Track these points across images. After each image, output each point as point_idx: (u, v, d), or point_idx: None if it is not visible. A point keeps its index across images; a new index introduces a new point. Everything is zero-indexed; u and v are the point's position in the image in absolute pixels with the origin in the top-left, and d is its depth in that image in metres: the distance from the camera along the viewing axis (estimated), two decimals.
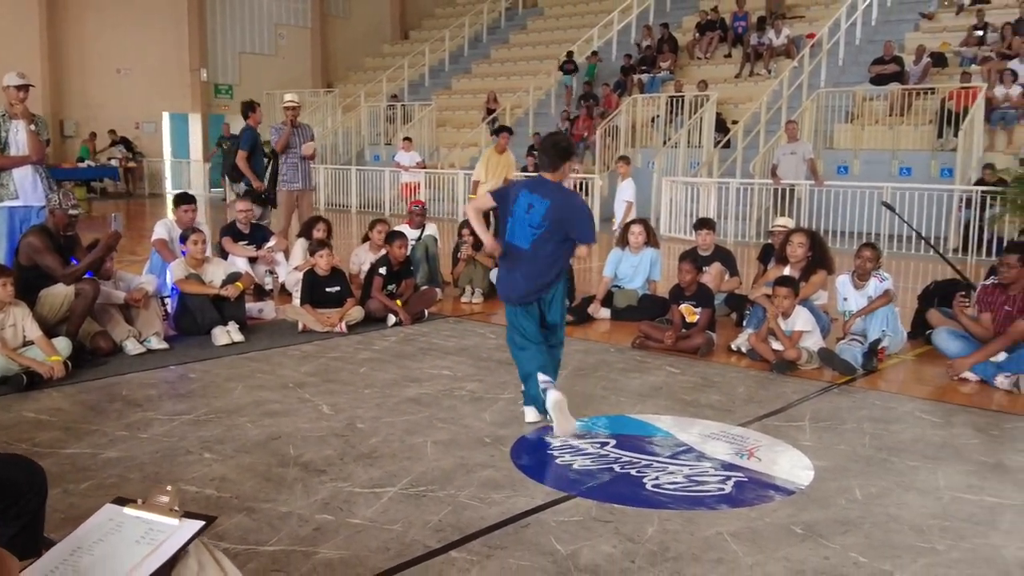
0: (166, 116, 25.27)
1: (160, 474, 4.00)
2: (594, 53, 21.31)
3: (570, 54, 21.36)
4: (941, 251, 8.91)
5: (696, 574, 3.16)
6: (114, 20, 23.23)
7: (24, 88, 7.15)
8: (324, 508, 3.67)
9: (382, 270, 7.56)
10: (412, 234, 9.11)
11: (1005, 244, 7.52)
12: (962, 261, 11.78)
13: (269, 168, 10.12)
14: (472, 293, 8.65)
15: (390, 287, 7.64)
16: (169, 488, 2.03)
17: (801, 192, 14.02)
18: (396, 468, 4.14)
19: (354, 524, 3.52)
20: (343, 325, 7.14)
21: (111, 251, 6.44)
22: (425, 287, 8.36)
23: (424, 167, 19.15)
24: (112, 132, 23.24)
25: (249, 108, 10.41)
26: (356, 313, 7.34)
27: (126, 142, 23.60)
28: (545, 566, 3.19)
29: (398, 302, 7.55)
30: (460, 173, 18.34)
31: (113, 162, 23.03)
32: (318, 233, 8.33)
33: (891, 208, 9.09)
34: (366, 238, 8.89)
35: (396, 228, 8.50)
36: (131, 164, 23.56)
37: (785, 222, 8.17)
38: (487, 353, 6.54)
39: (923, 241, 8.90)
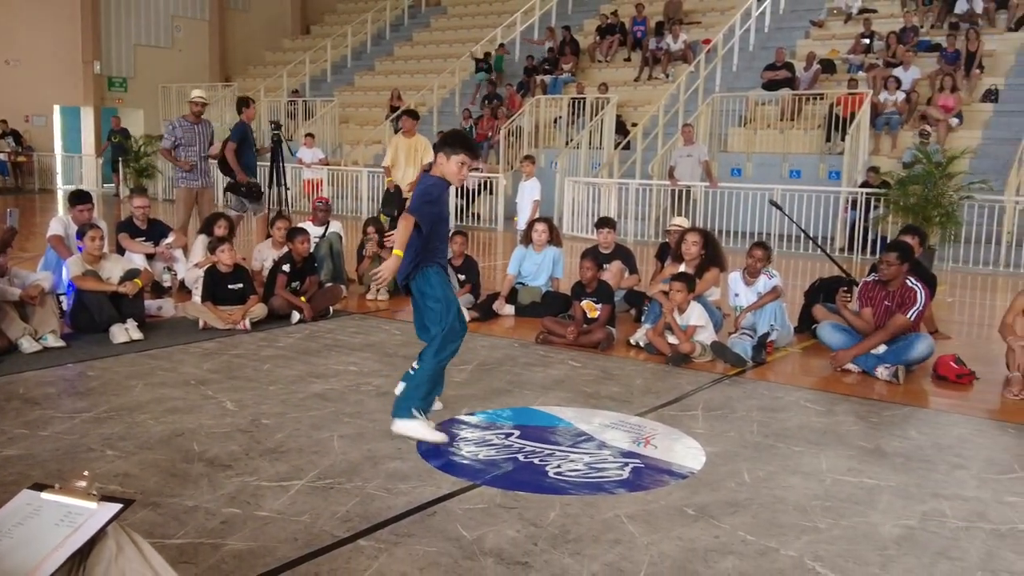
0: (57, 109, 24.41)
1: (63, 471, 3.95)
2: (501, 45, 21.52)
3: (487, 55, 21.47)
4: (828, 250, 9.36)
5: (595, 554, 3.31)
6: (3, 8, 22.30)
7: None
8: (231, 502, 3.69)
9: (285, 267, 7.55)
10: (316, 231, 9.10)
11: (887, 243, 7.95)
12: (848, 260, 12.38)
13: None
14: (377, 291, 8.68)
15: (294, 284, 7.63)
16: (86, 473, 2.06)
17: (697, 193, 14.47)
18: (303, 462, 4.18)
19: (262, 516, 3.56)
20: (246, 322, 7.10)
21: (6, 247, 6.27)
22: (330, 284, 8.36)
23: (327, 164, 19.00)
24: (3, 123, 22.33)
25: (243, 104, 10.50)
26: (259, 310, 7.30)
27: (15, 135, 22.70)
28: (451, 551, 3.30)
29: (302, 299, 7.53)
30: (364, 171, 18.31)
31: (1, 156, 22.12)
32: (219, 230, 8.23)
33: (778, 207, 9.50)
34: (268, 235, 8.83)
35: (299, 225, 8.47)
36: (20, 158, 22.67)
37: (680, 222, 8.47)
38: (393, 349, 6.60)
39: (809, 240, 9.31)
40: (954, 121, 14.63)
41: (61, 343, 6.28)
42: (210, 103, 14.10)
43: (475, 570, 3.16)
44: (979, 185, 11.97)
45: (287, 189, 11.80)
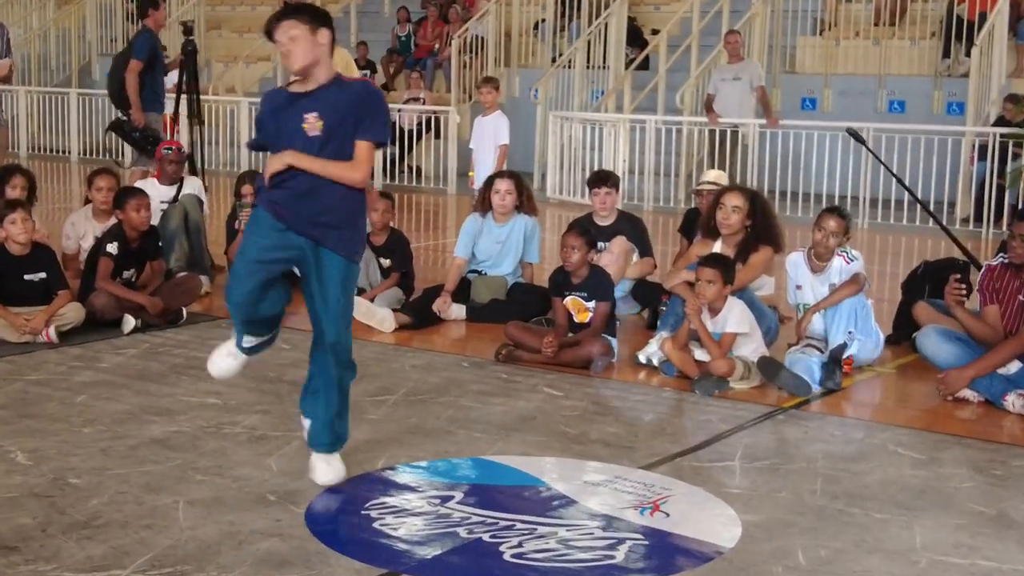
0: None
1: None
2: None
3: None
4: (941, 219, 9.44)
5: None
6: None
7: None
8: None
9: (111, 247, 7.54)
10: (163, 193, 9.10)
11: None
12: (974, 235, 12.49)
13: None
14: None
15: (127, 274, 7.62)
16: None
17: (748, 134, 14.55)
18: (128, 542, 4.17)
19: None
20: (51, 332, 7.10)
21: None
22: (183, 273, 8.38)
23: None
24: None
25: (151, 4, 10.39)
26: (72, 313, 7.31)
27: None
28: None
29: (139, 295, 7.53)
30: (244, 101, 18.32)
31: None
32: (12, 191, 8.21)
33: (859, 139, 9.55)
34: (87, 200, 8.81)
35: (134, 183, 8.45)
36: None
37: (716, 177, 8.53)
38: (277, 371, 6.61)
39: (916, 201, 9.41)
40: None
41: None
42: None
43: None
44: None
45: (201, 124, 11.69)
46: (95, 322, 7.43)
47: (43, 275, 7.33)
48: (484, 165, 11.78)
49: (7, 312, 7.11)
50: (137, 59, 10.47)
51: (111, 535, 4.23)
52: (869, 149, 10.06)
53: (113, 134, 10.36)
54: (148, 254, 7.80)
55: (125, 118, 10.19)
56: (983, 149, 13.37)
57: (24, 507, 4.48)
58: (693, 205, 9.25)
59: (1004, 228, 12.60)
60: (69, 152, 19.90)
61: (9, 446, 5.19)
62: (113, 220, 7.92)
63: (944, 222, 9.89)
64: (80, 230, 8.59)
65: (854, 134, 9.75)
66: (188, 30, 11.60)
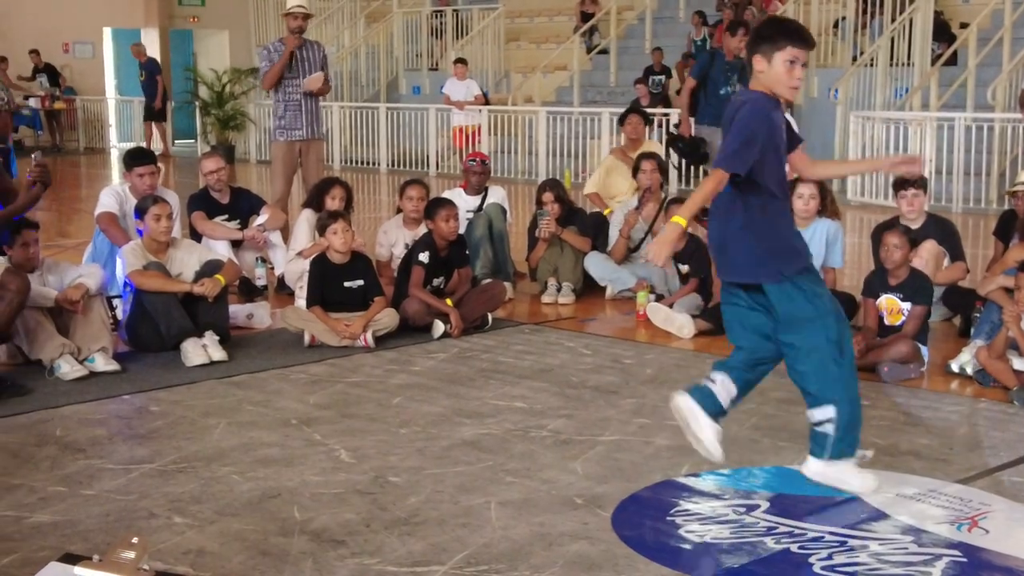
0: (108, 33, 26.04)
1: (111, 544, 4.27)
2: None
3: None
4: None
5: None
6: None
7: None
8: None
9: (423, 256, 7.80)
10: (469, 203, 9.38)
11: None
12: None
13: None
14: (558, 289, 8.84)
15: (436, 281, 7.88)
16: (135, 540, 2.25)
17: None
18: (446, 540, 4.33)
19: None
20: (368, 336, 7.40)
21: (35, 203, 6.80)
22: (488, 280, 8.60)
23: (487, 102, 19.45)
24: (34, 54, 23.93)
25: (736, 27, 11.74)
26: (388, 319, 7.59)
27: (51, 72, 24.31)
28: None
29: (448, 302, 7.79)
30: (542, 111, 18.64)
31: (32, 102, 23.69)
32: (332, 202, 8.60)
33: None
34: (399, 209, 9.15)
35: (443, 195, 8.73)
36: (57, 104, 24.27)
37: None
38: (580, 376, 6.72)
39: None
40: None
41: (115, 366, 6.76)
42: (315, 15, 14.72)
43: None
44: None
45: None
46: (407, 327, 7.71)
47: (361, 282, 7.67)
48: None
49: (328, 318, 7.46)
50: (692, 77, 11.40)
51: (429, 532, 4.40)
52: None
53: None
54: (456, 262, 8.04)
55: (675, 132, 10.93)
56: None
57: (349, 503, 4.71)
58: (1008, 207, 8.89)
59: None
60: (378, 164, 20.65)
61: (334, 444, 5.47)
62: (423, 228, 8.21)
63: None
64: (392, 238, 8.94)
65: None
66: None
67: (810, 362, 4.63)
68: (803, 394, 4.75)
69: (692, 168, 16.51)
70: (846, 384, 4.62)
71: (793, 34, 4.56)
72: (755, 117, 4.58)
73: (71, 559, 2.30)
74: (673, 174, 16.50)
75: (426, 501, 4.74)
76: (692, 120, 11.59)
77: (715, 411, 4.79)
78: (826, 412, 4.61)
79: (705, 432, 4.75)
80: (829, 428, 4.61)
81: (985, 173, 14.56)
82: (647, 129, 11.50)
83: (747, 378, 4.93)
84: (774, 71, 4.54)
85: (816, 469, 4.71)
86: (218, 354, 7.02)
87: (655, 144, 11.91)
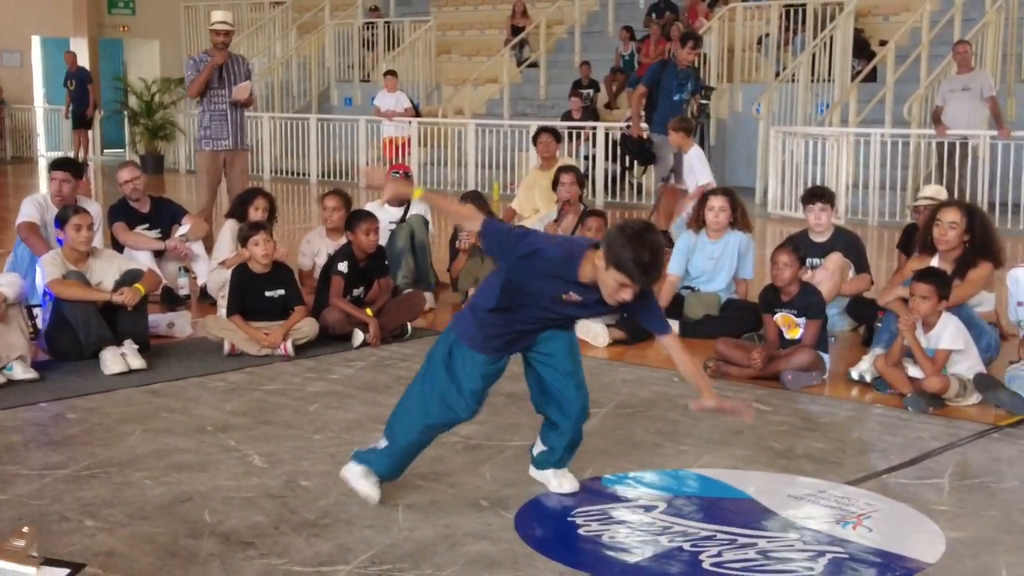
0: (37, 41, 25.88)
1: (6, 536, 4.37)
2: None
3: None
4: None
5: None
6: None
7: None
8: None
9: (342, 266, 7.91)
10: (392, 214, 9.48)
11: None
12: None
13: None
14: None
15: (356, 291, 7.99)
16: (26, 529, 2.38)
17: (978, 146, 14.23)
18: (352, 540, 4.46)
19: None
20: (288, 345, 7.50)
21: None
22: (409, 290, 8.72)
23: (416, 114, 19.56)
24: None
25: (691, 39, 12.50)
26: (307, 328, 7.69)
27: None
28: None
29: (368, 311, 7.90)
30: (471, 124, 18.78)
31: None
32: (255, 213, 8.69)
33: None
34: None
35: (365, 206, 8.85)
36: None
37: (934, 192, 8.44)
38: (496, 385, 6.84)
39: None
40: None
41: (32, 374, 6.81)
42: (236, 29, 14.75)
43: None
44: None
45: None
46: (328, 336, 7.82)
47: (282, 292, 7.77)
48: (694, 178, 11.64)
49: (248, 327, 7.55)
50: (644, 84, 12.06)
51: (337, 533, 4.53)
52: None
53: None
54: (376, 272, 8.16)
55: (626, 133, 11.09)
56: None
57: (259, 506, 4.83)
58: (912, 220, 9.14)
59: None
60: (309, 175, 20.70)
61: (248, 450, 5.58)
62: (343, 240, 8.32)
63: None
64: (315, 248, 9.04)
65: None
66: None
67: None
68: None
69: (622, 180, 16.78)
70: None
71: (634, 271, 4.30)
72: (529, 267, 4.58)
73: None
74: (601, 183, 16.79)
75: (335, 504, 4.86)
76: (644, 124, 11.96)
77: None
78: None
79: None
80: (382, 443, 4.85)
81: (900, 188, 14.84)
82: (559, 146, 11.58)
83: None
84: (606, 278, 4.38)
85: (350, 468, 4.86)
86: (136, 362, 7.09)
87: (569, 160, 11.98)
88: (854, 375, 6.93)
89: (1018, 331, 7.10)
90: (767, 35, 18.46)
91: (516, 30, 21.64)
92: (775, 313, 7.12)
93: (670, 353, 4.83)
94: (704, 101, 12.76)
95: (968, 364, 6.57)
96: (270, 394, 6.65)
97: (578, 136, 17.48)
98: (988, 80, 14.66)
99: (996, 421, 6.18)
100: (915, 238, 8.03)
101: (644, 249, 4.27)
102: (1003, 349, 7.27)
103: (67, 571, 2.31)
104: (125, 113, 23.70)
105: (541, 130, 11.65)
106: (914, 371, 6.55)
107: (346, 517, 4.71)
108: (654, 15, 20.20)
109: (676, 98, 12.44)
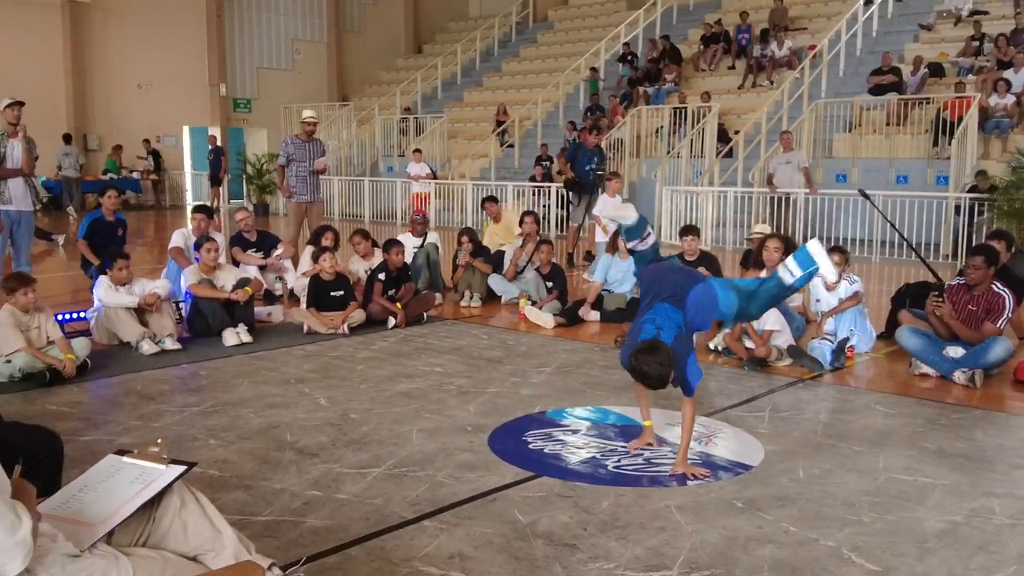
0: (186, 130, 25.84)
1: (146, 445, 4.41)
2: (594, 69, 21.66)
3: (593, 70, 21.79)
4: (924, 255, 9.19)
5: (639, 539, 3.52)
6: (135, 35, 23.80)
7: (17, 105, 8.00)
8: (314, 485, 4.06)
9: (381, 276, 7.95)
10: (414, 242, 9.52)
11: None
12: (953, 266, 12.07)
13: None
14: (471, 297, 9.03)
15: (390, 292, 8.03)
16: (159, 440, 2.43)
17: (797, 199, 14.32)
18: (383, 452, 4.52)
19: (340, 499, 3.91)
20: (345, 327, 7.53)
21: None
22: (425, 291, 8.74)
23: (434, 178, 19.58)
24: (147, 142, 23.79)
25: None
26: (358, 316, 7.73)
27: (155, 154, 24.18)
28: (505, 533, 3.57)
29: (398, 305, 7.93)
30: (469, 184, 18.83)
31: (135, 175, 23.59)
32: (325, 241, 8.70)
33: (866, 196, 9.40)
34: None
35: (396, 236, 8.88)
36: (152, 176, 24.12)
37: (762, 228, 8.51)
38: (478, 352, 6.92)
39: (903, 239, 9.21)
40: None
41: (178, 346, 6.84)
42: (319, 121, 14.76)
43: (525, 549, 3.42)
44: None
45: None
46: (372, 321, 7.84)
47: (342, 292, 7.80)
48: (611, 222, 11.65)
49: (319, 315, 7.59)
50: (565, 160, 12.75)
51: (372, 448, 4.58)
52: (874, 204, 9.88)
53: None
54: (403, 279, 8.19)
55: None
56: (960, 208, 12.87)
57: (322, 431, 4.87)
58: (748, 246, 9.19)
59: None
60: (363, 217, 20.72)
61: (317, 395, 5.62)
62: (376, 259, 8.37)
63: (931, 258, 9.59)
64: (354, 267, 8.96)
65: (863, 193, 9.58)
66: None
67: None
68: None
69: (566, 220, 16.81)
70: None
71: (634, 376, 4.15)
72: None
73: (120, 452, 2.46)
74: (554, 222, 16.82)
75: (373, 429, 4.91)
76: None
77: None
78: None
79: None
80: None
81: (745, 226, 14.87)
82: (502, 206, 11.39)
83: None
84: None
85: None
86: (246, 338, 7.12)
87: (512, 214, 11.64)
88: (711, 346, 7.00)
89: (816, 318, 7.17)
90: (662, 127, 18.48)
91: (500, 123, 21.66)
92: None
93: (683, 409, 4.34)
94: (599, 171, 12.66)
95: (784, 339, 6.64)
96: (332, 359, 6.68)
97: (539, 191, 17.51)
98: (803, 156, 14.71)
99: (802, 376, 6.26)
100: (751, 258, 8.09)
101: (636, 368, 4.06)
102: (807, 329, 7.33)
103: (185, 467, 2.35)
104: (244, 176, 23.63)
105: (486, 200, 11.54)
106: (749, 343, 6.63)
107: (378, 438, 4.75)
108: (589, 113, 20.22)
109: (587, 168, 12.66)
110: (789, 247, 7.22)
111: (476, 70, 26.44)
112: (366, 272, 8.40)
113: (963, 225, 12.61)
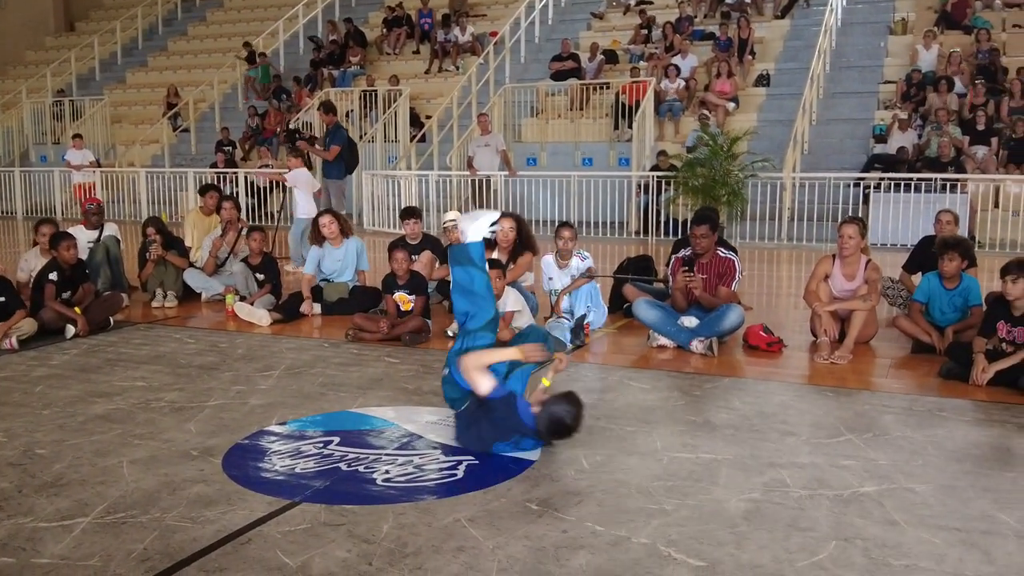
0: None
1: None
2: (262, 55, 20.44)
3: (247, 44, 20.50)
4: (620, 233, 9.39)
5: (438, 566, 2.96)
6: None
7: None
8: (2, 550, 3.07)
9: (52, 276, 6.68)
10: (89, 236, 8.23)
11: (690, 219, 7.94)
12: (643, 242, 12.67)
13: None
14: (164, 296, 7.92)
15: (65, 294, 6.77)
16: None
17: (497, 182, 14.35)
18: (88, 495, 3.57)
19: (41, 565, 2.98)
20: (12, 340, 6.23)
21: None
22: (108, 292, 7.52)
23: (98, 166, 17.56)
24: None
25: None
26: (27, 326, 6.43)
27: None
28: None
29: (76, 310, 6.70)
30: (141, 172, 17.10)
31: None
32: None
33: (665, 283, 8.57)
34: (35, 243, 7.83)
35: (67, 230, 7.55)
36: None
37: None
38: (187, 359, 5.96)
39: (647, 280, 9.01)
40: (731, 105, 15.28)
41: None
42: None
43: None
44: (763, 163, 12.52)
45: None
46: (45, 331, 6.59)
47: (3, 299, 6.43)
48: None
49: None
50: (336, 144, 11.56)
51: (73, 491, 3.62)
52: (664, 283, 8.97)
53: None
54: (79, 279, 6.96)
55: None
56: (645, 186, 13.52)
57: (2, 474, 3.80)
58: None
59: (663, 236, 12.75)
60: (15, 213, 18.16)
61: None
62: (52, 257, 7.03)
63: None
64: (31, 264, 7.58)
65: (664, 281, 8.62)
66: None
67: None
68: None
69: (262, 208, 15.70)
70: None
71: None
72: None
73: None
74: (245, 213, 15.59)
75: (69, 466, 3.91)
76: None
77: None
78: None
79: None
80: None
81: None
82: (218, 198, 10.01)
83: None
84: None
85: None
86: None
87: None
88: (449, 333, 6.55)
89: (550, 297, 6.99)
90: (352, 110, 17.81)
91: (171, 105, 19.82)
92: (394, 293, 6.61)
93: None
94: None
95: (525, 319, 6.37)
96: (0, 381, 5.41)
97: (223, 179, 16.17)
98: (500, 139, 14.79)
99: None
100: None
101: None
102: (540, 308, 7.14)
103: None
104: None
105: (207, 188, 10.04)
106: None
107: (79, 477, 3.79)
108: (273, 97, 19.08)
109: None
110: (521, 226, 7.03)
111: (139, 49, 24.16)
112: (39, 271, 7.01)
113: (652, 202, 13.24)
